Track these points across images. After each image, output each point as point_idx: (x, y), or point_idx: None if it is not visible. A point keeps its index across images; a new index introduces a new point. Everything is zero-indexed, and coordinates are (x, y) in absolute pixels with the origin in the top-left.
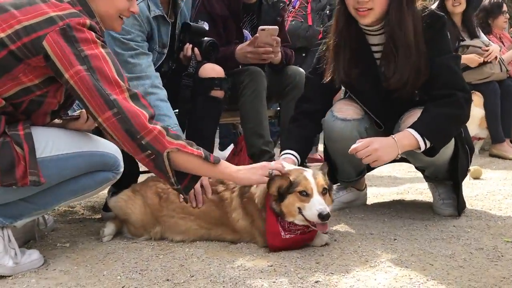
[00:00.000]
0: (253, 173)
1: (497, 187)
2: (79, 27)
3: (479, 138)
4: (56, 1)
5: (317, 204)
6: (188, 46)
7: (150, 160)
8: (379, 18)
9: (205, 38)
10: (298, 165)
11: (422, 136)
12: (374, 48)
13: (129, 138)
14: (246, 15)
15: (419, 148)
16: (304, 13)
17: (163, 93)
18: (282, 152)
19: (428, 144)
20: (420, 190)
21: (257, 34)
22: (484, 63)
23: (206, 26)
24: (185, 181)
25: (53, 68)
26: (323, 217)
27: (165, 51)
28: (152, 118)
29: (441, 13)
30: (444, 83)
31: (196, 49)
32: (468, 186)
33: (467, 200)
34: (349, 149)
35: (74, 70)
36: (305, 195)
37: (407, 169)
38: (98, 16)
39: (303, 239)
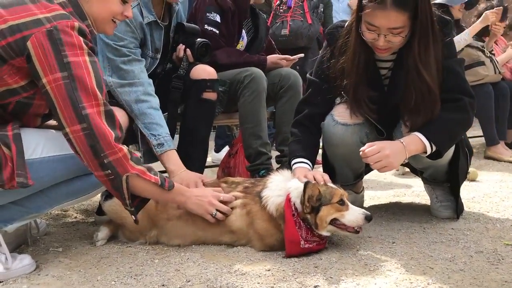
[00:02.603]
0: (200, 206)
1: (493, 189)
2: (67, 30)
3: None
4: (46, 2)
5: (358, 209)
6: (181, 47)
7: (108, 180)
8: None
9: (198, 39)
10: None
11: (429, 141)
12: (380, 64)
13: (92, 154)
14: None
15: (425, 152)
16: (301, 11)
17: (155, 100)
18: (295, 160)
19: (434, 148)
20: (416, 193)
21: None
22: (479, 64)
23: (218, 18)
24: (136, 201)
25: (32, 70)
26: (370, 219)
27: (158, 56)
28: (118, 139)
29: (448, 18)
30: (451, 87)
31: (188, 50)
32: (465, 188)
33: (464, 202)
34: (360, 152)
35: (53, 77)
36: (342, 203)
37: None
38: (91, 19)
39: (316, 250)
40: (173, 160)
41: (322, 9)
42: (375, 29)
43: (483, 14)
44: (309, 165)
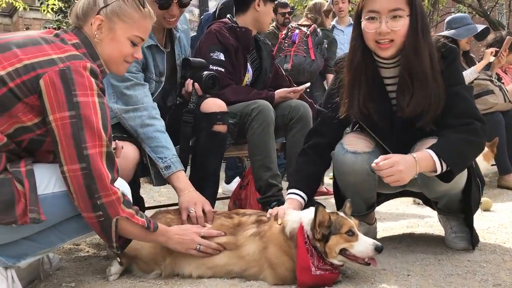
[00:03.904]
0: (182, 244)
1: (509, 219)
2: (80, 70)
3: None
4: (60, 42)
5: (368, 240)
6: (189, 82)
7: (98, 221)
8: (398, 49)
9: (205, 72)
10: (305, 205)
11: (439, 158)
12: (387, 81)
13: (87, 194)
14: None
15: (435, 171)
16: (305, 47)
17: (160, 123)
18: (289, 191)
19: (445, 167)
20: (430, 223)
21: (293, 89)
22: (487, 92)
23: (222, 56)
24: (120, 241)
25: (42, 106)
26: (380, 250)
27: (163, 79)
28: (113, 182)
29: (453, 45)
30: (460, 112)
31: (196, 84)
32: (479, 219)
33: (479, 233)
34: (372, 164)
35: (60, 115)
36: (351, 234)
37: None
38: (103, 59)
39: (330, 278)
40: (181, 179)
41: (326, 45)
42: (375, 15)
43: (484, 52)
44: (302, 197)
